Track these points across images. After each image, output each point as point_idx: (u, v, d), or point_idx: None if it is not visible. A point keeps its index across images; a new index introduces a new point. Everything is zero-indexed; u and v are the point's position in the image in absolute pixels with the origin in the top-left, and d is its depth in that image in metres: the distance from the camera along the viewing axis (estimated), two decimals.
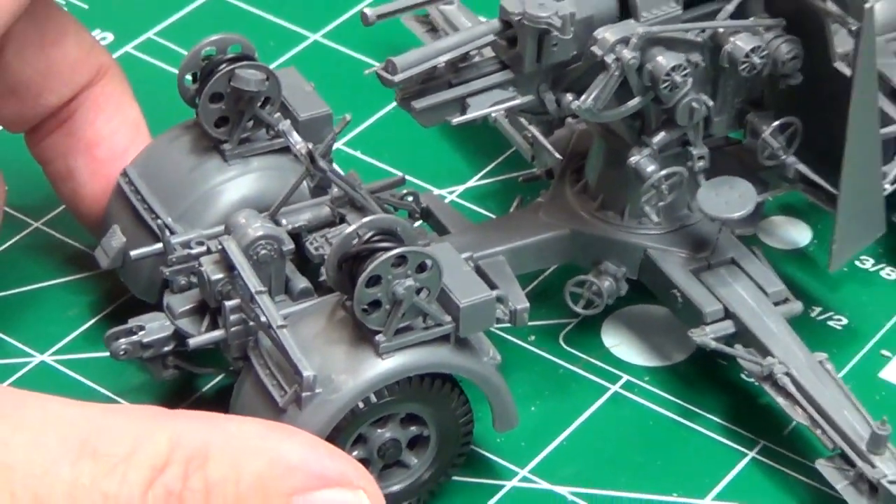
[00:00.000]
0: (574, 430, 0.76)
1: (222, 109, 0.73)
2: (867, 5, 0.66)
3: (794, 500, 0.72)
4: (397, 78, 0.68)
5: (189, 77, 0.74)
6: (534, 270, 0.78)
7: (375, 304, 0.64)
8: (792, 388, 0.70)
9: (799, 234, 0.83)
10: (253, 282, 0.66)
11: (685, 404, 0.77)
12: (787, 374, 0.70)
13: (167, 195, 0.73)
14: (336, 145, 0.82)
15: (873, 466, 0.67)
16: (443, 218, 0.76)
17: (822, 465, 0.70)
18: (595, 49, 0.68)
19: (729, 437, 0.76)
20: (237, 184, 0.73)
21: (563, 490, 0.74)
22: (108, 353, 0.71)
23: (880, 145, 0.72)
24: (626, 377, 0.78)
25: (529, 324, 0.77)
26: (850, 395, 0.70)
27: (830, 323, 0.80)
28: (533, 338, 0.80)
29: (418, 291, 0.64)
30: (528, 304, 0.72)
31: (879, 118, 0.73)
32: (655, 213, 0.72)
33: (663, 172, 0.71)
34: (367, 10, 0.70)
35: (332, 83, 0.73)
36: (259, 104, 0.73)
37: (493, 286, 0.71)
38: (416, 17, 0.82)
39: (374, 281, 0.63)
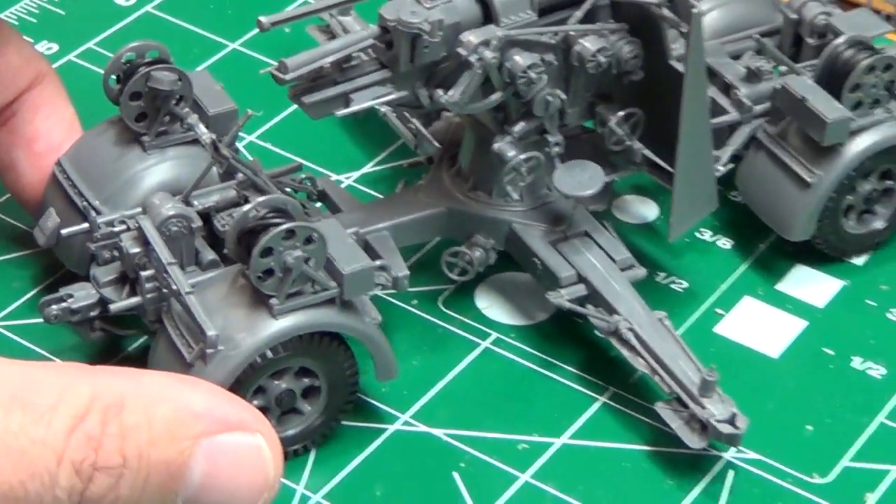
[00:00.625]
0: (449, 380, 0.76)
1: (141, 106, 0.73)
2: (695, 10, 0.67)
3: (639, 439, 0.72)
4: (288, 76, 0.68)
5: (113, 78, 0.74)
6: (415, 244, 0.78)
7: (269, 272, 0.65)
8: (634, 342, 0.71)
9: (648, 210, 0.83)
10: (165, 255, 0.67)
11: (545, 357, 0.77)
12: (631, 329, 0.71)
13: (95, 181, 0.73)
14: (251, 138, 0.84)
15: (703, 408, 0.68)
16: (336, 199, 0.76)
17: (660, 408, 0.70)
18: (461, 50, 0.69)
19: (583, 385, 0.75)
20: (155, 171, 0.73)
21: (438, 432, 0.74)
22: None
23: (710, 132, 0.72)
24: (495, 334, 0.78)
25: (413, 290, 0.78)
26: (685, 347, 0.71)
27: (673, 286, 0.80)
28: (416, 302, 0.79)
29: (306, 261, 0.65)
30: (407, 272, 0.72)
31: (711, 109, 0.74)
32: (516, 193, 0.73)
33: (522, 157, 0.72)
34: (262, 18, 0.70)
35: (248, 85, 0.73)
36: (173, 102, 0.74)
37: (377, 257, 0.72)
38: (319, 26, 0.82)
39: (267, 252, 0.64)
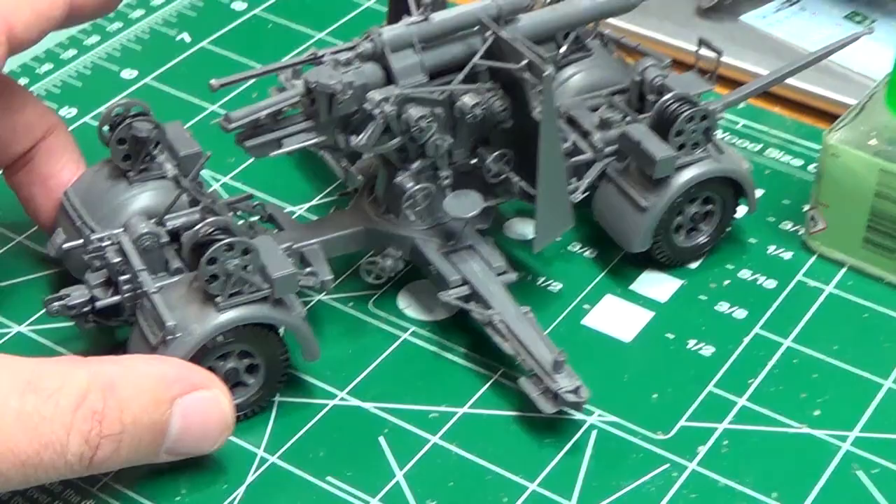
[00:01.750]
0: (376, 364, 0.76)
1: (126, 149, 0.75)
2: (545, 74, 0.69)
3: (524, 408, 0.72)
4: (230, 126, 0.70)
5: (106, 128, 0.76)
6: (341, 254, 0.78)
7: (215, 277, 0.66)
8: (504, 330, 0.72)
9: (527, 229, 0.83)
10: (136, 263, 0.69)
11: (450, 344, 0.76)
12: (501, 321, 0.72)
13: (91, 207, 0.75)
14: (225, 179, 0.86)
15: (554, 381, 0.69)
16: (280, 220, 0.78)
17: (522, 382, 0.71)
18: (367, 105, 0.70)
19: (480, 366, 0.75)
20: (137, 199, 0.75)
21: (367, 405, 0.73)
22: (70, 323, 0.73)
23: (563, 167, 0.74)
24: (412, 328, 0.77)
25: (349, 294, 0.79)
26: (542, 334, 0.72)
27: (549, 288, 0.80)
28: (351, 304, 0.79)
29: (244, 267, 0.67)
30: (331, 277, 0.74)
31: (573, 150, 0.78)
32: (413, 215, 0.74)
33: (417, 187, 0.73)
34: (213, 81, 0.72)
35: (224, 137, 0.71)
36: (151, 146, 0.75)
37: (308, 265, 0.74)
38: (277, 87, 0.82)
39: (212, 261, 0.66)
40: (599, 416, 0.73)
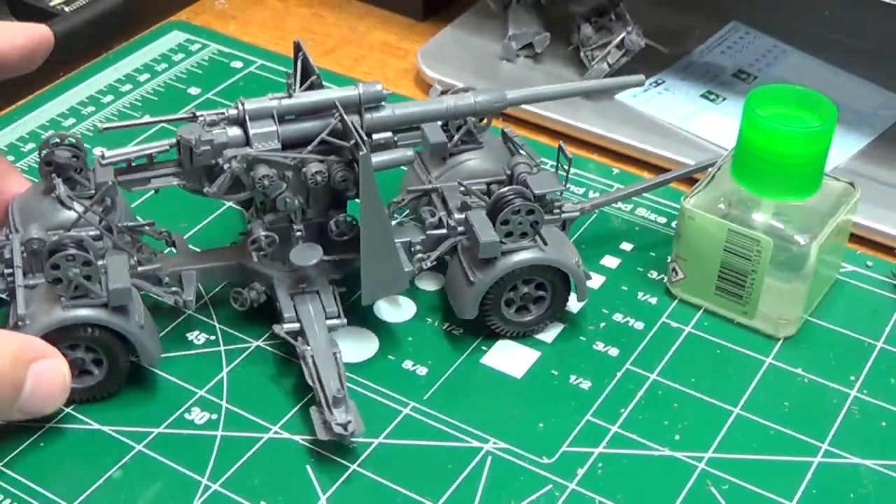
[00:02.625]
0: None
1: (51, 171, 0.75)
2: (361, 154, 0.68)
3: (422, 437, 0.70)
4: (103, 162, 0.71)
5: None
6: (215, 282, 0.79)
7: (60, 280, 0.67)
8: (311, 364, 0.70)
9: (429, 283, 0.81)
10: (16, 261, 0.70)
11: (369, 383, 0.74)
12: (312, 356, 0.71)
13: (25, 215, 0.75)
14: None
15: (331, 413, 0.68)
16: (178, 246, 0.78)
17: (312, 410, 0.70)
18: (220, 160, 0.70)
19: (392, 402, 0.73)
20: (59, 213, 0.74)
21: (297, 437, 0.70)
22: None
23: (388, 233, 0.72)
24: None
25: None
26: (341, 374, 0.71)
27: (452, 332, 0.77)
28: (284, 349, 0.76)
29: (86, 277, 0.67)
30: (192, 299, 0.74)
31: (430, 223, 0.77)
32: (256, 257, 0.74)
33: (262, 234, 0.73)
34: (100, 125, 0.73)
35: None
36: (72, 170, 0.75)
37: (180, 286, 0.75)
38: None
39: (55, 266, 0.66)
40: (494, 443, 0.70)
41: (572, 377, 0.74)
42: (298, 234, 0.74)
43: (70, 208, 0.73)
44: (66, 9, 1.01)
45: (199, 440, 0.70)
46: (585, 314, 0.79)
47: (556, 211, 0.77)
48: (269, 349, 0.76)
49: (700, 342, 0.77)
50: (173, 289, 0.74)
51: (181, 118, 0.73)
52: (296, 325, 0.73)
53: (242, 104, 0.71)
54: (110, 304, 0.69)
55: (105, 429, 0.70)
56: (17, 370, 0.64)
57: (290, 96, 0.72)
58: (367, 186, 0.69)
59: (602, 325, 0.78)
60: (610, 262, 0.82)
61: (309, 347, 0.71)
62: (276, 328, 0.73)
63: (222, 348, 0.76)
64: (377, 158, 0.71)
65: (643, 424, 0.72)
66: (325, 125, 0.72)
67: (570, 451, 0.70)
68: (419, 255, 0.76)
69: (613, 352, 0.76)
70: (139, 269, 0.73)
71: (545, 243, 0.74)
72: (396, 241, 0.75)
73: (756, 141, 0.73)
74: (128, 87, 0.98)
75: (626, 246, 0.83)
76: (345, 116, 0.71)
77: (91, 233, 0.72)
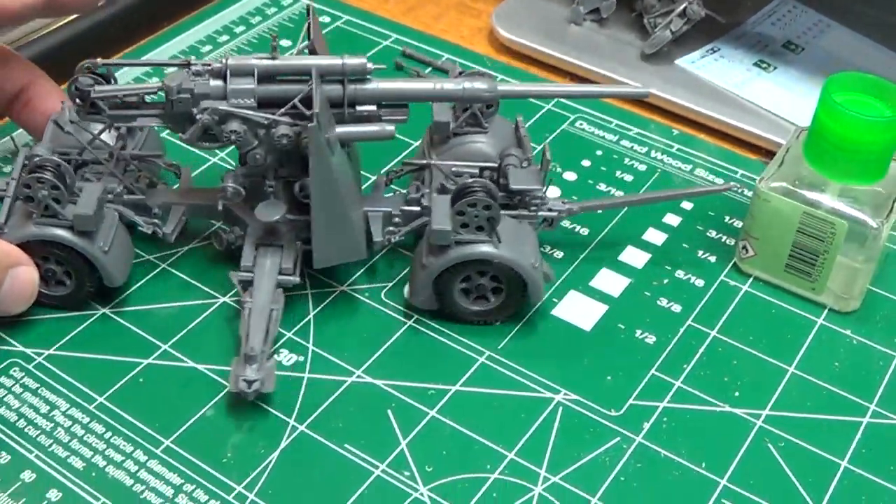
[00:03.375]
0: (387, 346, 0.65)
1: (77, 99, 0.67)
2: (310, 125, 0.61)
3: (505, 386, 0.62)
4: (93, 95, 0.65)
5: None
6: (200, 218, 0.71)
7: (31, 199, 0.63)
8: (245, 315, 0.62)
9: None
10: (15, 172, 0.66)
11: (446, 331, 0.66)
12: (250, 309, 0.63)
13: (52, 134, 0.70)
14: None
15: (241, 369, 0.61)
16: (180, 179, 0.72)
17: (234, 360, 0.62)
18: (194, 109, 0.63)
19: (469, 350, 0.65)
20: (75, 136, 0.69)
21: (379, 382, 0.63)
22: None
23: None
24: (416, 316, 0.67)
25: (365, 286, 0.69)
26: (270, 329, 0.63)
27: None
28: (367, 294, 0.68)
29: (55, 200, 0.63)
30: (170, 231, 0.68)
31: (413, 198, 0.68)
32: (221, 204, 0.67)
33: (230, 185, 0.66)
34: (100, 59, 0.66)
35: None
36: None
37: (166, 219, 0.69)
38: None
39: (27, 185, 0.63)
40: (564, 394, 0.63)
41: (638, 331, 0.67)
42: (270, 190, 0.66)
43: (84, 130, 0.67)
44: None
45: (287, 382, 0.63)
46: (650, 269, 0.71)
47: (533, 208, 0.67)
48: (354, 294, 0.68)
49: (756, 301, 0.69)
50: (155, 220, 0.67)
51: (175, 64, 0.66)
52: (249, 275, 0.65)
53: (226, 59, 0.64)
54: (74, 228, 0.63)
55: (200, 367, 0.63)
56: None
57: (273, 58, 0.64)
58: (316, 158, 0.61)
59: (665, 281, 0.70)
60: (672, 220, 0.75)
61: (250, 300, 0.63)
62: (232, 274, 0.65)
63: (309, 291, 0.68)
64: (351, 129, 0.64)
65: (704, 381, 0.65)
66: (301, 90, 0.64)
67: (637, 405, 0.63)
68: (391, 228, 0.68)
69: (676, 308, 0.69)
70: (126, 196, 0.67)
71: (499, 240, 0.64)
72: (376, 209, 0.67)
73: (832, 126, 0.65)
74: (225, 37, 0.89)
75: (687, 206, 0.76)
76: (315, 85, 0.62)
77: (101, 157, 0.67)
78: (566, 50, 0.86)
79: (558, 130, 0.80)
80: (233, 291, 0.67)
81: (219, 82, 0.63)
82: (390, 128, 0.65)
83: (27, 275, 0.63)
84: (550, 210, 0.68)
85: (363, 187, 0.70)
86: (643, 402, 0.63)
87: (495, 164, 0.69)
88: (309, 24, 0.66)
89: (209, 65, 0.64)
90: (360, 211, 0.67)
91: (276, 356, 0.63)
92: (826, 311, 0.69)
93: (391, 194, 0.70)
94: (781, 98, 0.83)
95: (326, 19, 0.90)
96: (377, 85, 0.65)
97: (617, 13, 0.89)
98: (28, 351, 0.64)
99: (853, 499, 0.59)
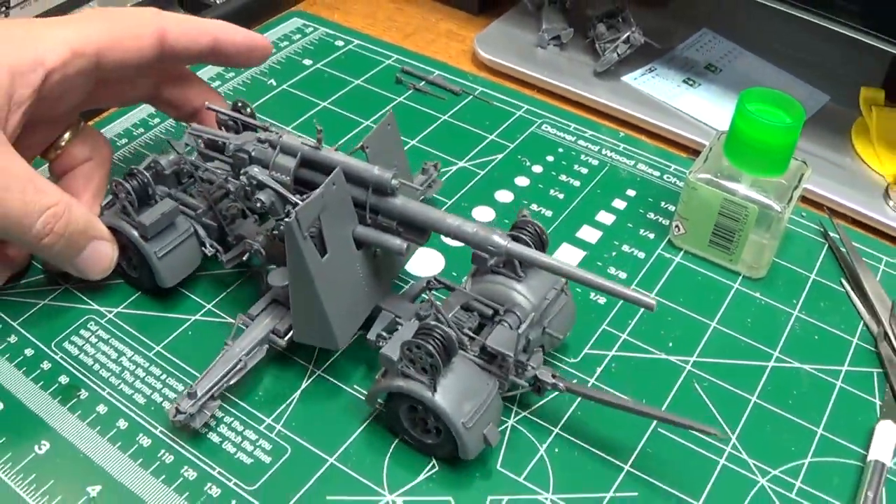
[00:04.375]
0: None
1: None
2: (287, 220, 0.52)
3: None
4: (188, 131, 0.61)
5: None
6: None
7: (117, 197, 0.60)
8: (221, 355, 0.57)
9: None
10: (141, 168, 0.61)
11: None
12: (226, 349, 0.57)
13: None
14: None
15: (181, 400, 0.55)
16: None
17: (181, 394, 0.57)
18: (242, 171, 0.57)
19: None
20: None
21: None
22: None
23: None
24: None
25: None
26: (227, 378, 0.56)
27: None
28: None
29: (130, 203, 0.60)
30: (225, 259, 0.62)
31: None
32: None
33: (256, 244, 0.60)
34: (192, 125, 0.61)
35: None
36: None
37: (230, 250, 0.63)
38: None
39: (118, 186, 0.60)
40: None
41: (592, 294, 0.65)
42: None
43: (207, 158, 0.61)
44: (217, 1, 0.93)
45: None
46: (602, 244, 0.69)
47: (520, 371, 0.55)
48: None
49: (686, 270, 0.68)
50: (217, 246, 0.61)
51: (261, 128, 0.59)
52: (247, 321, 0.58)
53: (279, 135, 0.56)
54: (138, 231, 0.60)
55: (239, 323, 0.60)
56: (82, 238, 0.58)
57: (317, 148, 0.56)
58: (289, 249, 0.52)
59: (614, 253, 0.69)
60: (619, 204, 0.73)
61: (230, 345, 0.56)
62: (239, 315, 0.58)
63: (310, 367, 0.65)
64: (368, 232, 0.55)
65: (645, 334, 0.63)
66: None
67: (591, 354, 0.61)
68: (383, 333, 0.57)
69: (622, 275, 0.67)
70: (203, 218, 0.61)
71: (434, 389, 0.51)
72: (388, 310, 0.57)
73: (745, 130, 0.63)
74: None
75: (631, 192, 0.74)
76: (325, 187, 0.53)
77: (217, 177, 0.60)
78: (534, 68, 0.84)
79: (528, 132, 0.79)
80: (245, 269, 0.65)
81: (270, 150, 0.56)
82: (398, 242, 0.54)
83: (106, 249, 0.60)
84: (538, 379, 0.55)
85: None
86: (596, 351, 0.61)
87: (492, 313, 0.56)
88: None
89: (276, 135, 0.57)
90: (362, 304, 0.57)
91: (217, 402, 0.56)
92: (740, 278, 0.67)
93: (423, 302, 0.58)
94: (704, 108, 0.81)
95: (340, 43, 0.88)
96: (399, 202, 0.55)
97: (574, 39, 0.87)
98: (102, 309, 0.62)
99: (760, 426, 0.58)
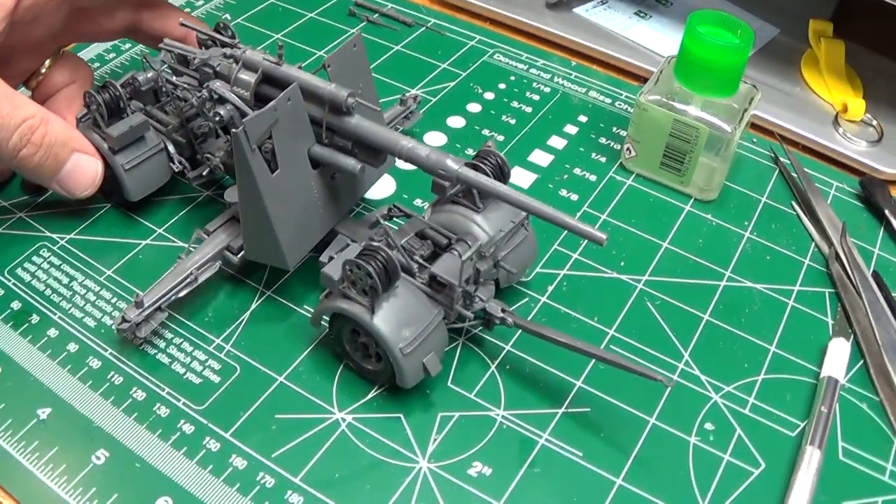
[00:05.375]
0: None
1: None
2: (234, 131, 0.47)
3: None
4: (160, 46, 0.57)
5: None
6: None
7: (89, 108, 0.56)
8: (175, 265, 0.54)
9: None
10: (119, 82, 0.57)
11: None
12: (175, 266, 0.54)
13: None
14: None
15: (131, 309, 0.52)
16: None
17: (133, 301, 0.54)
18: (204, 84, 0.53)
19: None
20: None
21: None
22: None
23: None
24: None
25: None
26: (175, 290, 0.52)
27: None
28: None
29: (101, 116, 0.56)
30: (193, 175, 0.58)
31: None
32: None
33: (217, 158, 0.57)
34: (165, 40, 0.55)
35: None
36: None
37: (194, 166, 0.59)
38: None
39: (91, 97, 0.56)
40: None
41: None
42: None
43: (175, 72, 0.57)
44: None
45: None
46: (553, 168, 0.66)
47: (467, 303, 0.51)
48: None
49: (637, 193, 0.64)
50: (184, 161, 0.58)
51: (220, 40, 0.56)
52: (203, 237, 0.54)
53: (244, 51, 0.53)
54: (106, 143, 0.55)
55: (195, 238, 0.55)
56: (63, 151, 0.54)
57: (278, 64, 0.52)
58: (238, 162, 0.49)
59: (565, 176, 0.65)
60: (570, 129, 0.69)
61: (183, 258, 0.53)
62: (196, 231, 0.54)
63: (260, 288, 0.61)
64: (323, 151, 0.52)
65: (596, 253, 0.60)
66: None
67: (542, 273, 0.58)
68: (332, 255, 0.52)
69: (574, 197, 0.64)
70: (174, 134, 0.57)
71: (373, 311, 0.47)
72: (344, 233, 0.54)
73: (694, 50, 0.60)
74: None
75: (583, 118, 0.70)
76: (280, 100, 0.49)
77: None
78: (486, 0, 0.80)
79: (479, 61, 0.74)
80: (214, 187, 0.61)
81: (234, 67, 0.53)
82: (353, 162, 0.51)
83: (90, 163, 0.55)
84: (487, 313, 0.51)
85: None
86: (548, 270, 0.58)
87: (446, 243, 0.53)
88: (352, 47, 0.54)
89: (238, 47, 0.54)
90: (316, 226, 0.53)
91: (164, 314, 0.52)
92: (692, 200, 0.64)
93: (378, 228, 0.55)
94: (656, 39, 0.77)
95: None
96: (353, 121, 0.51)
97: None
98: (54, 236, 0.58)
99: (712, 343, 0.55)
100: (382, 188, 0.62)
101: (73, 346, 0.52)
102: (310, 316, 0.53)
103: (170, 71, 0.58)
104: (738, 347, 0.55)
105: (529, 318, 0.55)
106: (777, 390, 0.53)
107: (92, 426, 0.48)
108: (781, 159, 0.68)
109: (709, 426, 0.51)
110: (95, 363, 0.51)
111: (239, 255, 0.53)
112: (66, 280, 0.55)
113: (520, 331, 0.53)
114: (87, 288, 0.55)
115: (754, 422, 0.51)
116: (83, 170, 0.55)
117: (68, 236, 0.58)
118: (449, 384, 0.51)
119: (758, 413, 0.52)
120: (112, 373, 0.51)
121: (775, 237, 0.62)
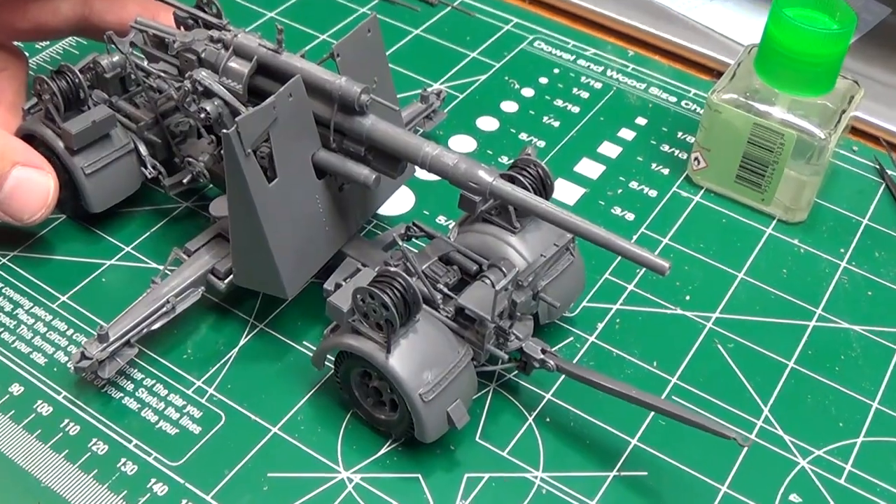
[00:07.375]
0: None
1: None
2: (225, 132, 0.49)
3: None
4: (131, 24, 0.59)
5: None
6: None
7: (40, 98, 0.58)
8: (145, 294, 0.56)
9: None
10: (76, 69, 0.58)
11: None
12: (149, 290, 0.56)
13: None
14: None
15: (92, 345, 0.53)
16: None
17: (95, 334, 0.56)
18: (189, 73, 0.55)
19: None
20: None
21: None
22: None
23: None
24: None
25: None
26: (138, 322, 0.54)
27: None
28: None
29: (55, 108, 0.57)
30: (167, 184, 0.60)
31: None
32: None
33: (200, 163, 0.58)
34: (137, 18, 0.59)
35: None
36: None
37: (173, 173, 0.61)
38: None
39: (41, 85, 0.57)
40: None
41: None
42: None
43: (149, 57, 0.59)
44: None
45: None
46: (604, 180, 0.68)
47: (501, 341, 0.52)
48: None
49: (707, 211, 0.67)
50: (160, 166, 0.59)
51: (206, 21, 0.57)
52: (182, 258, 0.55)
53: (235, 35, 0.54)
54: (63, 140, 0.56)
55: (173, 258, 0.57)
56: (1, 165, 0.55)
57: (276, 52, 0.54)
58: (229, 170, 0.50)
59: (619, 191, 0.68)
60: (626, 134, 0.72)
61: (159, 282, 0.54)
62: (175, 249, 0.55)
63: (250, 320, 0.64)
64: (331, 158, 0.53)
65: (656, 285, 0.62)
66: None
67: (590, 307, 0.60)
68: (340, 282, 0.53)
69: (630, 216, 0.66)
70: (146, 133, 0.59)
71: (389, 349, 0.48)
72: (354, 257, 0.56)
73: (781, 39, 0.62)
74: None
75: (641, 121, 0.73)
76: (279, 97, 0.51)
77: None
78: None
79: (517, 49, 0.77)
80: (195, 197, 0.64)
81: (221, 52, 0.54)
82: (366, 172, 0.52)
83: (39, 179, 0.56)
84: (524, 353, 0.52)
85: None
86: (597, 304, 0.60)
87: (476, 269, 0.54)
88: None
89: (228, 30, 0.55)
90: (321, 247, 0.55)
91: (134, 350, 0.53)
92: (774, 221, 0.66)
93: (396, 250, 0.56)
94: (731, 21, 0.80)
95: None
96: (367, 122, 0.52)
97: None
98: None
99: (799, 396, 0.57)
100: (399, 203, 0.65)
101: (16, 388, 0.54)
102: (311, 354, 0.56)
103: (140, 54, 0.59)
104: (832, 402, 0.57)
105: (575, 360, 0.57)
106: (880, 456, 0.55)
107: (39, 486, 0.50)
108: (889, 172, 0.70)
109: (794, 498, 0.52)
110: (45, 409, 0.53)
111: (226, 281, 0.55)
112: (9, 307, 0.58)
113: (563, 376, 0.55)
114: (35, 317, 0.57)
115: (852, 494, 0.53)
116: (30, 188, 0.56)
117: (11, 254, 0.60)
118: (477, 439, 0.54)
119: (856, 483, 0.53)
120: (66, 420, 0.53)
121: (879, 268, 0.64)
